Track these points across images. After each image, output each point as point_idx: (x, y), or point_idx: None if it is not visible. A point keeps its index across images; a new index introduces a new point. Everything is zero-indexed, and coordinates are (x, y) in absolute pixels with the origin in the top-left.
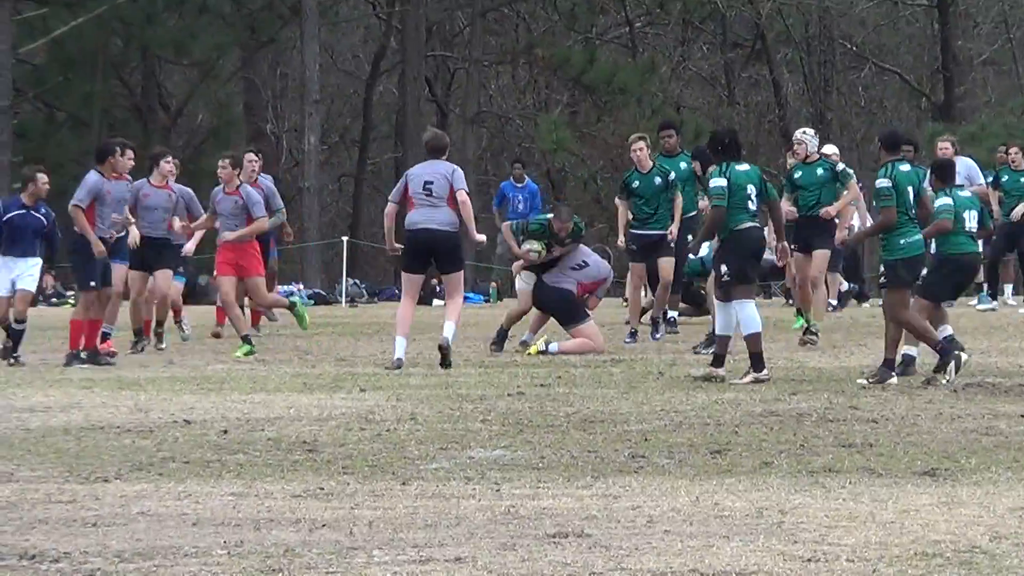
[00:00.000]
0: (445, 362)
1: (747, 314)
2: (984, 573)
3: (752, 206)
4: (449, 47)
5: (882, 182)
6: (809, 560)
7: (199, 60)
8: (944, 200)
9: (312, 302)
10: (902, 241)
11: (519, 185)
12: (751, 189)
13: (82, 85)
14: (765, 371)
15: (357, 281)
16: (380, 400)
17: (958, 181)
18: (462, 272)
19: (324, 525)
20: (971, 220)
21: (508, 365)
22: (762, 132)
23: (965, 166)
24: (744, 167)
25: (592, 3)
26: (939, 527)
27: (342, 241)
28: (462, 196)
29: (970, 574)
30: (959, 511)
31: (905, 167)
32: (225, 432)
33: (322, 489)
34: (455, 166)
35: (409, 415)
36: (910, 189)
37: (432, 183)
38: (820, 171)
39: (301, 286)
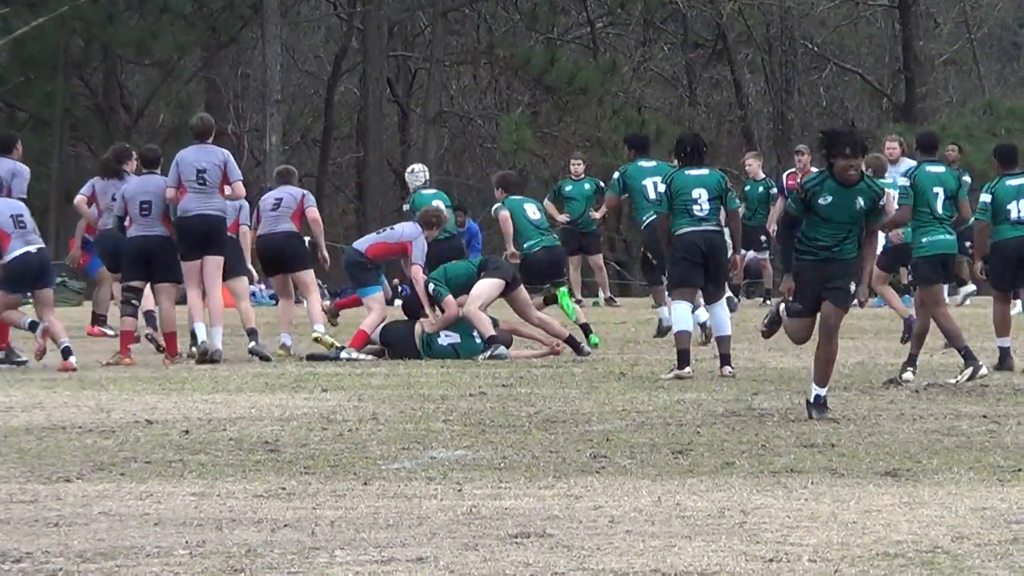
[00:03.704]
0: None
1: (678, 314)
2: (946, 573)
3: (700, 212)
4: (410, 47)
5: (903, 180)
6: (771, 560)
7: (160, 60)
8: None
9: (273, 302)
10: (924, 240)
11: (460, 230)
12: (698, 193)
13: (43, 85)
14: (688, 368)
15: (319, 281)
16: (342, 400)
17: (903, 181)
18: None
19: (286, 525)
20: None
21: (469, 365)
22: (723, 133)
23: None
24: (696, 172)
25: (553, 3)
26: (901, 527)
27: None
28: (239, 188)
29: (932, 574)
30: (921, 511)
31: (934, 168)
32: (187, 432)
33: (284, 489)
34: (226, 153)
35: (371, 415)
36: (938, 190)
37: (205, 171)
38: None
39: (263, 286)
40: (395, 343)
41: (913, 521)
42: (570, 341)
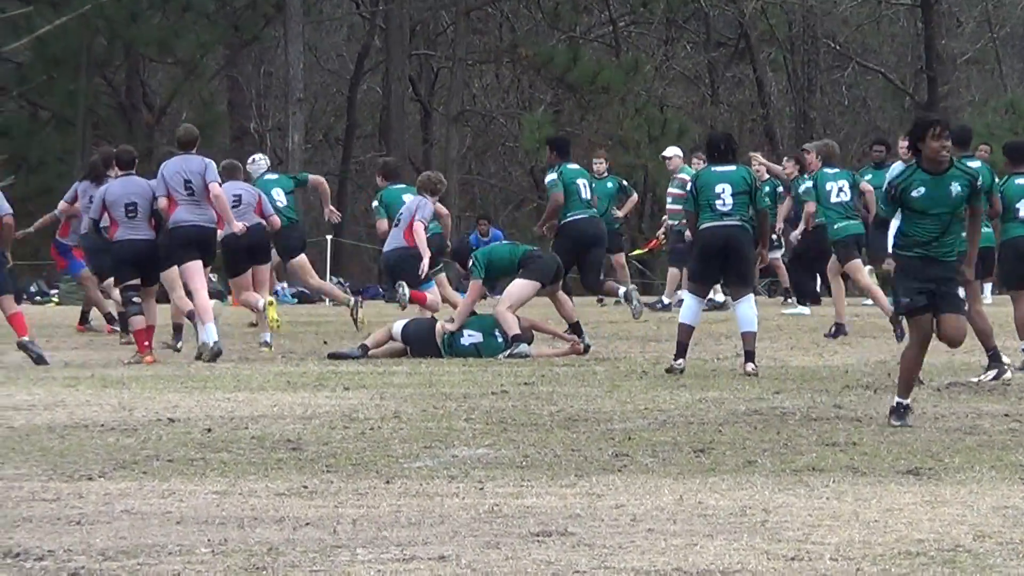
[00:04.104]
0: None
1: (685, 306)
2: (968, 572)
3: (723, 207)
4: (433, 46)
5: None
6: (793, 559)
7: (183, 58)
8: None
9: (296, 300)
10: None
11: (484, 239)
12: (722, 189)
13: (66, 83)
14: (681, 361)
15: (341, 280)
16: (364, 399)
17: None
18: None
19: (308, 523)
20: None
21: (491, 364)
22: (745, 131)
23: None
24: (722, 168)
25: (575, 2)
26: (923, 526)
27: (326, 240)
28: (215, 189)
29: (954, 573)
30: (943, 510)
31: (970, 164)
32: (209, 430)
33: (306, 487)
34: (208, 160)
35: (393, 413)
36: None
37: (191, 181)
38: None
39: (285, 284)
40: (416, 342)
41: (935, 520)
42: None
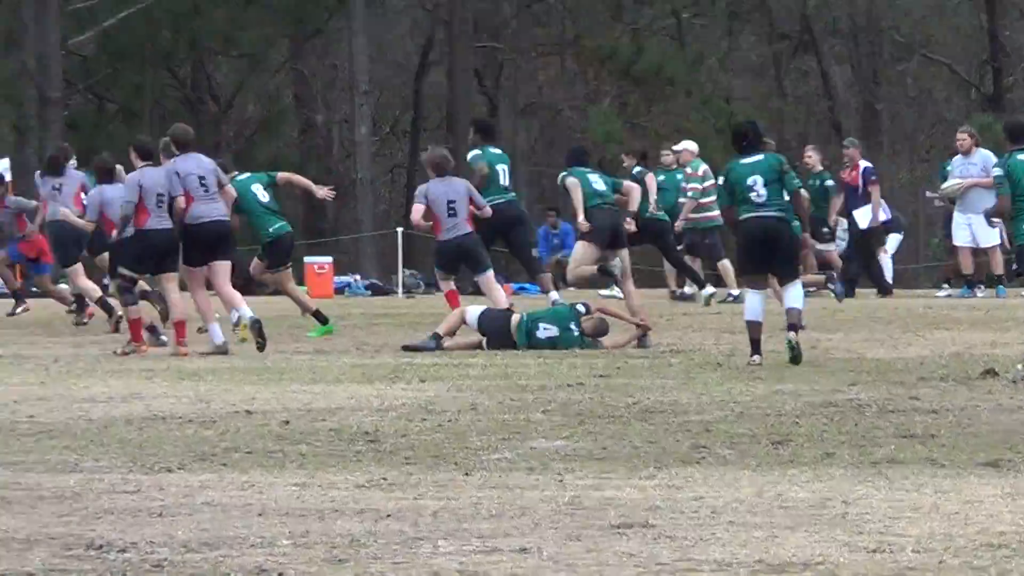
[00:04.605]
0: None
1: (747, 303)
2: None
3: (758, 198)
4: (497, 38)
5: (995, 171)
6: (874, 551)
7: (248, 51)
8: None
9: (369, 292)
10: (1022, 227)
11: (555, 231)
12: (754, 180)
13: (132, 77)
14: (757, 357)
15: (414, 272)
16: (440, 390)
17: (975, 174)
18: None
19: (389, 515)
20: None
21: (567, 356)
22: (812, 123)
23: (982, 158)
24: (750, 159)
25: None
26: (1004, 518)
27: (396, 232)
28: (230, 190)
29: None
30: (1023, 502)
31: None
32: (287, 422)
33: (385, 479)
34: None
35: (470, 405)
36: None
37: (205, 178)
38: None
39: (357, 277)
40: (492, 333)
41: (1016, 512)
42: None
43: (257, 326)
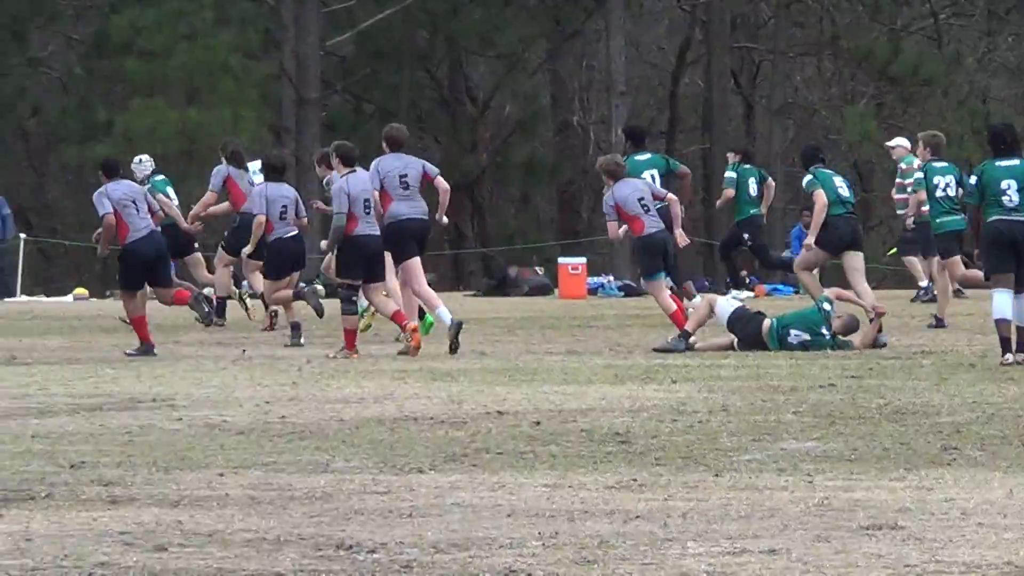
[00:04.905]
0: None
1: (996, 303)
2: None
3: (1009, 202)
4: (754, 39)
5: None
6: None
7: (505, 52)
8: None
9: (622, 294)
10: None
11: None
12: (1007, 184)
13: (389, 77)
14: (1009, 356)
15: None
16: (691, 391)
17: None
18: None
19: (638, 516)
20: None
21: (818, 356)
22: None
23: None
24: (1007, 163)
25: None
26: None
27: None
28: (440, 182)
29: None
30: None
31: None
32: (537, 423)
33: (635, 480)
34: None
35: (721, 406)
36: None
37: (407, 176)
38: None
39: (611, 277)
40: (744, 337)
41: None
42: None
43: (456, 328)
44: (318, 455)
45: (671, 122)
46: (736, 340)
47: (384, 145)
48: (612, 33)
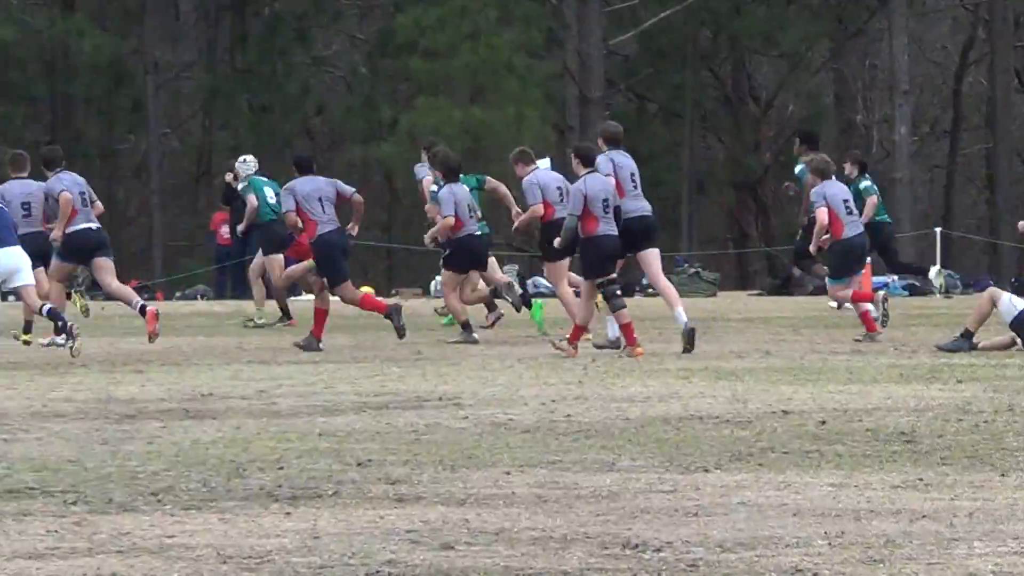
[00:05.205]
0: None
1: None
2: None
3: None
4: None
5: None
6: None
7: (788, 51)
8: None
9: (906, 292)
10: None
11: None
12: None
13: (672, 76)
14: None
15: (951, 272)
16: (977, 391)
17: None
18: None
19: (924, 516)
20: None
21: None
22: None
23: None
24: None
25: None
26: None
27: (935, 232)
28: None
29: None
30: None
31: None
32: (823, 422)
33: (921, 480)
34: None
35: (1007, 406)
36: None
37: (634, 173)
38: None
39: (895, 278)
40: None
41: None
42: None
43: (690, 334)
44: (604, 454)
45: (954, 121)
46: (1020, 340)
47: (601, 143)
48: (895, 32)
